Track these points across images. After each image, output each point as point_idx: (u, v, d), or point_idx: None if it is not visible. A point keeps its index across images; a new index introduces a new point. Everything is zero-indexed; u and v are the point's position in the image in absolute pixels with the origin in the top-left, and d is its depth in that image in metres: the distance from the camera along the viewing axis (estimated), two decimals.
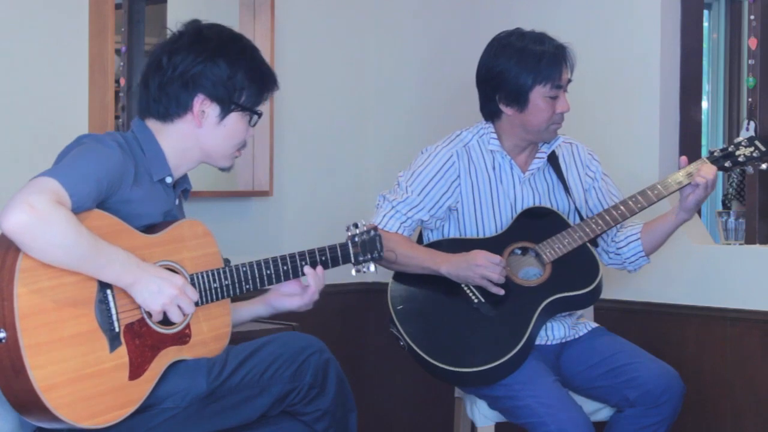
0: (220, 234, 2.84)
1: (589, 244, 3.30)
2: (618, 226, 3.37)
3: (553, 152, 3.38)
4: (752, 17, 4.68)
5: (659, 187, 3.26)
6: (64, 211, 2.38)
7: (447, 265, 3.22)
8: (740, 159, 3.28)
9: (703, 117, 6.85)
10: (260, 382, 2.61)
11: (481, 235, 3.32)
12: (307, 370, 2.64)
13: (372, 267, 2.99)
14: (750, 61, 4.73)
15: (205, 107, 2.70)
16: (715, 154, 3.30)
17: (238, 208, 4.04)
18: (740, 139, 3.34)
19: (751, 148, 3.29)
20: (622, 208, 3.27)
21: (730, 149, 3.30)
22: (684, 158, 3.29)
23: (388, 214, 3.32)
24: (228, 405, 2.60)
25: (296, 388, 2.64)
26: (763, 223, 4.61)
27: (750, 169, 3.32)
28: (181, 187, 2.81)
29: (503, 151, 3.33)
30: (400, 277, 3.30)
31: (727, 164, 3.29)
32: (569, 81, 3.28)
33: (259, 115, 2.78)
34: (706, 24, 7.98)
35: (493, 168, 3.34)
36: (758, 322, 3.64)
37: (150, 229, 2.64)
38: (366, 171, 4.44)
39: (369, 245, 2.98)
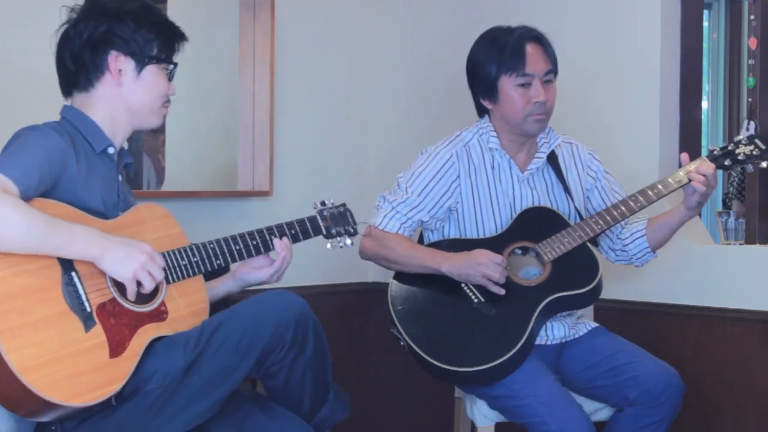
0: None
1: (589, 244, 3.30)
2: (622, 223, 3.37)
3: (553, 152, 3.38)
4: (752, 17, 4.68)
5: (659, 186, 3.26)
6: (10, 198, 2.40)
7: (448, 263, 3.22)
8: (740, 157, 3.28)
9: (703, 117, 6.85)
10: (239, 347, 2.59)
11: (481, 235, 3.32)
12: (287, 330, 2.63)
13: (348, 241, 2.99)
14: (750, 61, 4.73)
15: (120, 64, 2.71)
16: (715, 152, 3.30)
17: (238, 208, 4.04)
18: (740, 137, 3.34)
19: (751, 146, 3.28)
20: (622, 207, 3.27)
21: (729, 147, 3.30)
22: (685, 155, 3.29)
23: (388, 215, 3.32)
24: (212, 375, 2.58)
25: (276, 349, 2.63)
26: (763, 223, 4.61)
27: (750, 168, 3.32)
28: (123, 162, 2.81)
29: (502, 150, 3.33)
30: (401, 277, 3.30)
31: (727, 162, 3.28)
32: (550, 71, 3.28)
33: (175, 65, 2.79)
34: (706, 24, 7.97)
35: (492, 167, 3.34)
36: (758, 322, 3.64)
37: (107, 215, 2.65)
38: (366, 171, 4.44)
39: (339, 218, 2.99)
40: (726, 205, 6.40)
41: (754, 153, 3.27)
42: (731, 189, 6.36)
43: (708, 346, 3.76)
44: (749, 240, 4.53)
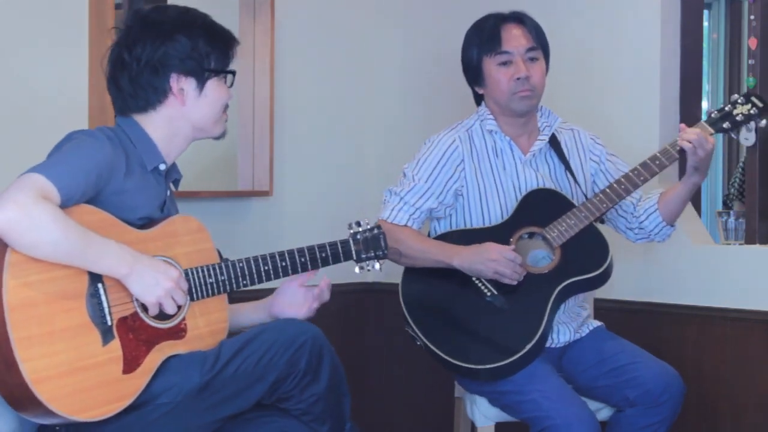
0: (220, 234, 2.84)
1: (596, 224, 3.28)
2: (635, 201, 3.35)
3: (555, 136, 3.38)
4: (752, 17, 4.67)
5: (660, 156, 3.24)
6: (50, 206, 2.39)
7: (459, 258, 3.20)
8: (738, 118, 3.24)
9: (703, 117, 6.84)
10: (255, 371, 2.60)
11: (486, 220, 3.31)
12: (302, 357, 2.63)
13: (377, 265, 2.96)
14: (750, 61, 4.72)
15: (182, 84, 2.71)
16: (713, 115, 3.27)
17: (238, 208, 4.04)
18: (736, 96, 3.29)
19: (748, 105, 3.24)
20: (624, 181, 3.25)
21: (727, 109, 3.26)
22: (682, 125, 3.28)
23: (396, 207, 3.31)
24: (225, 396, 2.59)
25: (291, 375, 2.63)
26: (763, 223, 4.60)
27: (751, 126, 3.27)
28: (172, 177, 2.82)
29: (501, 132, 3.34)
30: (411, 275, 3.28)
31: (725, 125, 3.24)
32: (533, 48, 3.29)
33: (234, 73, 2.79)
34: (706, 24, 7.97)
35: (495, 150, 3.34)
36: (758, 322, 3.64)
37: (143, 225, 2.65)
38: (367, 170, 4.44)
39: (372, 243, 2.95)
40: (727, 206, 6.39)
41: (752, 112, 3.24)
42: (732, 190, 6.36)
43: (708, 346, 3.76)
44: (749, 240, 4.53)
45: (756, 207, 4.58)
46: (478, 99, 3.41)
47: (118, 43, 2.74)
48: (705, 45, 7.22)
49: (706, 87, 7.98)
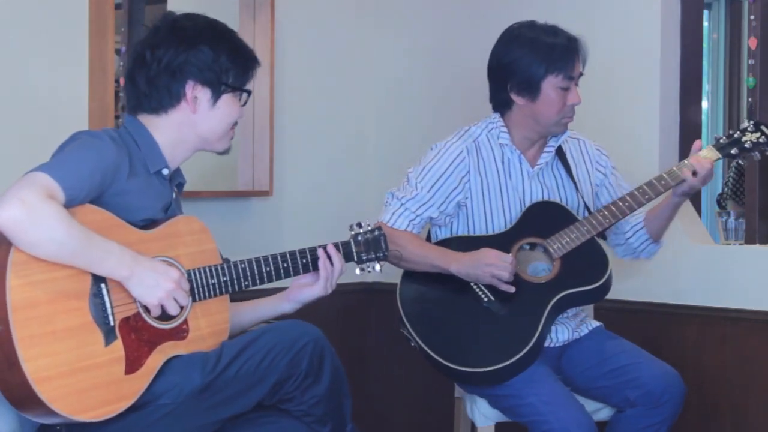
0: (220, 234, 2.84)
1: (597, 239, 3.28)
2: (627, 218, 3.35)
3: (560, 147, 3.37)
4: (752, 17, 4.69)
5: (666, 177, 3.24)
6: (55, 205, 2.40)
7: (457, 264, 3.20)
8: (747, 145, 3.25)
9: (703, 117, 6.86)
10: (257, 373, 2.60)
11: (490, 231, 3.31)
12: (303, 359, 2.63)
13: (377, 267, 2.98)
14: (750, 61, 4.73)
15: (197, 93, 2.72)
16: (721, 141, 3.28)
17: (238, 208, 4.04)
18: (745, 124, 3.30)
19: (758, 134, 3.25)
20: (629, 199, 3.25)
21: (736, 135, 3.26)
22: (698, 142, 3.27)
23: (397, 212, 3.30)
24: (226, 397, 2.60)
25: (292, 377, 2.63)
26: (763, 223, 4.61)
27: (757, 155, 3.28)
28: (176, 181, 2.83)
29: (512, 146, 3.32)
30: (410, 277, 3.28)
31: (733, 151, 3.25)
32: (581, 74, 3.28)
33: (249, 93, 2.81)
34: (706, 24, 7.98)
35: (502, 163, 3.33)
36: (758, 322, 3.64)
37: (146, 225, 2.65)
38: (367, 170, 4.44)
39: (373, 244, 2.97)
40: (720, 206, 6.39)
41: (761, 140, 3.25)
42: (726, 189, 6.35)
43: (708, 346, 3.76)
44: (749, 240, 4.54)
45: (756, 207, 4.59)
46: (502, 104, 3.32)
47: (142, 41, 2.76)
48: (705, 45, 7.22)
49: (706, 87, 7.99)
